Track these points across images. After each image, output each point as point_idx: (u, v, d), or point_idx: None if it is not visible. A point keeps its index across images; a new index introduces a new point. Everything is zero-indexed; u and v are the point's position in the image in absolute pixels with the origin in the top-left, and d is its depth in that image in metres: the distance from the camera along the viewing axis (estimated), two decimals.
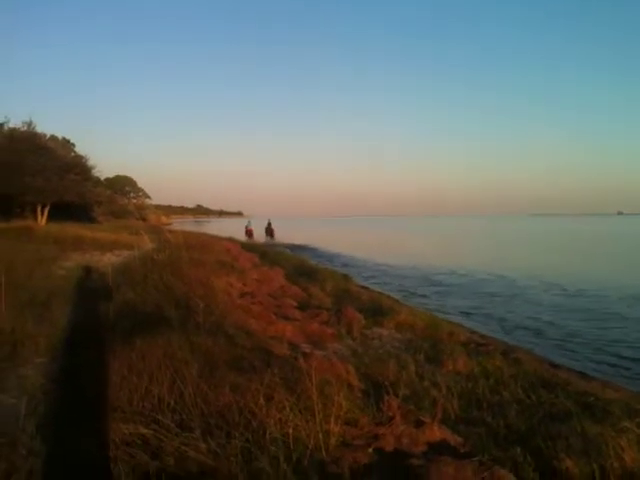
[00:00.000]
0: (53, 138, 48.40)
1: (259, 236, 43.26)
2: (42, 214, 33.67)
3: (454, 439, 4.38)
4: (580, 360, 9.97)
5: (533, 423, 5.05)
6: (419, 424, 4.45)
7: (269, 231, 42.24)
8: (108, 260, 17.16)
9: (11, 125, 38.04)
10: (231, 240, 32.71)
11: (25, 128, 36.93)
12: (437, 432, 4.36)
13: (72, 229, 26.64)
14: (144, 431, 3.49)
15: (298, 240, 44.83)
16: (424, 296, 18.35)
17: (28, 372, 5.33)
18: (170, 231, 36.62)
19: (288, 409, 3.91)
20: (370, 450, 3.86)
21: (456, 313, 14.88)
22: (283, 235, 46.13)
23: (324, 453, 3.63)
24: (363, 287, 17.92)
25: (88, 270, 13.17)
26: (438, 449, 4.13)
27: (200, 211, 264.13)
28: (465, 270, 25.88)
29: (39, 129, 39.39)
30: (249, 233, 44.11)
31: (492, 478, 3.57)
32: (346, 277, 19.37)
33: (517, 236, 73.76)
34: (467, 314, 14.83)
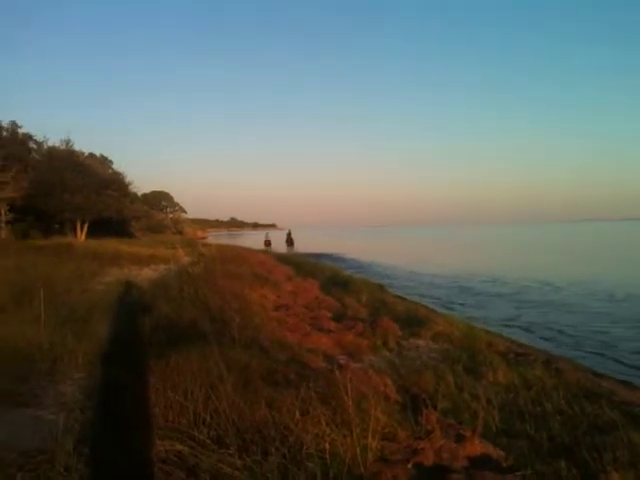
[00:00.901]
0: (91, 155, 49.50)
1: (279, 246, 45.59)
2: (81, 230, 34.38)
3: (496, 453, 4.25)
4: (625, 369, 9.65)
5: (577, 435, 4.89)
6: (459, 438, 4.34)
7: (289, 241, 45.30)
8: (145, 275, 17.37)
9: (50, 143, 39.09)
10: (265, 252, 32.92)
11: (63, 146, 37.88)
12: (478, 446, 4.24)
13: (110, 244, 27.08)
14: (180, 447, 3.47)
15: (320, 249, 46.99)
16: (462, 305, 18.11)
17: (67, 388, 5.37)
18: (205, 244, 37.03)
19: (324, 424, 3.84)
20: (409, 465, 3.77)
21: (495, 322, 14.60)
22: (312, 244, 46.58)
23: (362, 469, 3.55)
24: (399, 297, 17.76)
25: (126, 285, 13.32)
26: (479, 464, 4.01)
27: (234, 224, 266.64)
28: (505, 278, 25.51)
29: (77, 147, 40.33)
30: (267, 243, 47.65)
31: None
32: (381, 287, 19.26)
33: (563, 242, 72.09)
34: (506, 323, 14.54)
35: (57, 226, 35.19)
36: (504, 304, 18.33)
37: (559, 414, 5.57)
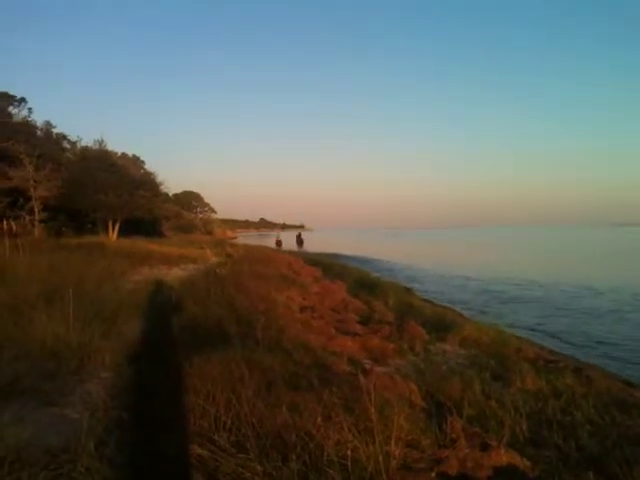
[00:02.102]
0: (124, 156, 50.21)
1: (290, 245, 49.87)
2: (113, 229, 34.80)
3: (522, 463, 4.16)
4: None
5: (607, 446, 4.74)
6: (485, 447, 4.25)
7: (299, 241, 49.64)
8: (175, 274, 17.50)
9: (83, 143, 39.75)
10: (292, 253, 32.98)
11: (97, 146, 38.46)
12: (504, 456, 4.15)
13: (141, 244, 27.36)
14: (200, 451, 3.46)
15: (331, 249, 50.35)
16: (489, 309, 17.89)
17: (93, 387, 5.41)
18: (233, 245, 37.27)
19: (347, 430, 3.79)
20: (433, 474, 3.70)
21: (525, 327, 14.39)
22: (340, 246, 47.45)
23: (384, 477, 3.49)
24: (426, 301, 17.62)
25: (155, 284, 13.43)
26: (505, 474, 3.93)
27: (263, 224, 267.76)
28: (538, 282, 25.15)
29: (110, 147, 40.93)
30: (278, 243, 52.30)
31: None
32: (408, 290, 19.14)
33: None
34: (536, 329, 14.31)
35: (89, 225, 35.69)
36: (539, 308, 18.04)
37: (589, 424, 5.42)
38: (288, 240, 58.41)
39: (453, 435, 4.31)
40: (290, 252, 38.68)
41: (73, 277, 10.76)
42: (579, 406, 6.00)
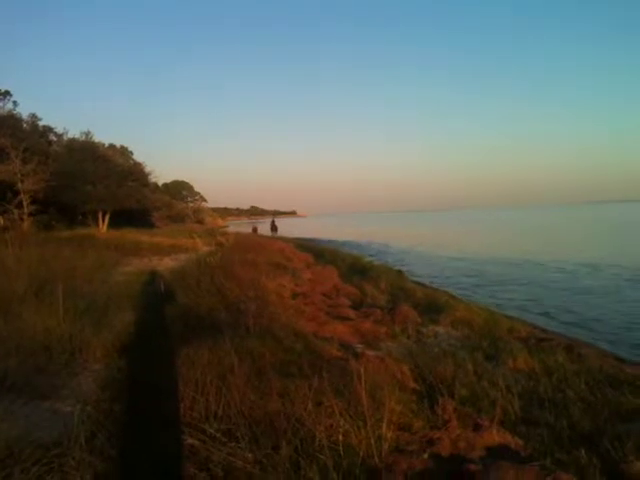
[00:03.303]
0: (111, 146, 49.75)
1: (264, 231, 52.38)
2: (103, 221, 34.55)
3: (514, 442, 4.18)
4: None
5: (599, 423, 4.77)
6: (477, 427, 4.27)
7: (273, 227, 51.41)
8: (166, 264, 17.46)
9: (70, 135, 39.37)
10: (284, 240, 32.94)
11: (83, 138, 38.05)
12: (496, 435, 4.17)
13: (132, 235, 27.26)
14: (191, 441, 3.45)
15: (308, 234, 54.61)
16: (481, 290, 17.90)
17: (84, 380, 5.39)
18: (225, 233, 37.25)
19: (338, 415, 3.79)
20: (425, 456, 3.71)
21: (518, 307, 14.40)
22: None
23: (377, 460, 3.50)
24: (418, 283, 17.63)
25: (146, 275, 13.40)
26: (497, 453, 3.94)
27: (255, 212, 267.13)
28: (530, 261, 25.20)
29: (97, 138, 40.54)
30: (254, 230, 55.24)
31: None
32: (400, 274, 19.15)
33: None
34: (528, 308, 14.32)
35: (80, 218, 35.41)
36: (532, 288, 18.04)
37: (580, 401, 5.45)
38: (281, 227, 59.21)
39: (445, 416, 4.32)
40: (280, 238, 38.71)
41: (63, 270, 10.69)
42: (571, 384, 6.03)
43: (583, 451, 3.95)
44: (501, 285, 18.87)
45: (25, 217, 27.19)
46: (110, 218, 34.82)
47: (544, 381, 6.12)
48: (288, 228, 70.95)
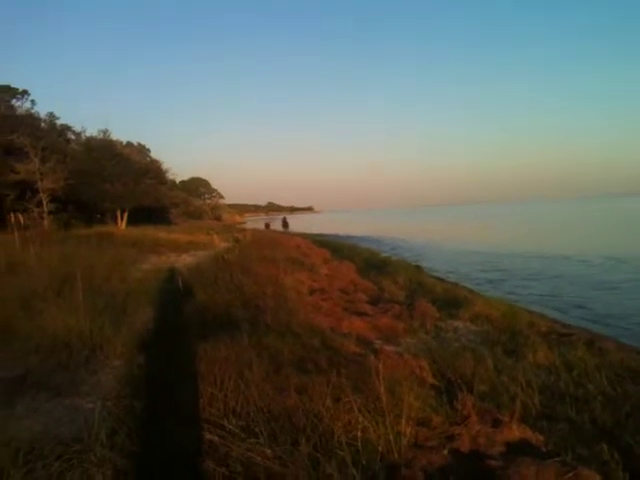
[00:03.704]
0: (129, 144, 50.14)
1: (277, 227, 55.72)
2: (122, 218, 34.90)
3: (535, 437, 4.14)
4: None
5: (620, 418, 4.72)
6: (497, 423, 4.24)
7: (284, 224, 54.61)
8: (183, 261, 17.53)
9: (87, 134, 39.74)
10: (301, 236, 32.97)
11: (101, 136, 38.39)
12: (516, 431, 4.13)
13: (150, 232, 27.41)
14: (210, 437, 3.47)
15: (325, 230, 56.62)
16: (501, 284, 17.77)
17: (105, 376, 5.43)
18: (242, 230, 37.40)
19: (356, 411, 3.78)
20: (445, 452, 3.68)
21: (538, 302, 14.25)
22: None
23: (396, 455, 3.48)
24: (437, 278, 17.55)
25: (164, 272, 13.46)
26: (518, 449, 3.91)
27: (272, 208, 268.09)
28: (551, 255, 24.94)
29: (114, 136, 40.87)
30: (267, 226, 58.08)
31: (577, 479, 3.33)
32: (418, 268, 19.07)
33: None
34: (549, 302, 14.17)
35: (98, 215, 35.77)
36: (553, 281, 17.87)
37: (601, 396, 5.39)
38: (296, 223, 59.94)
39: (464, 412, 4.29)
40: (297, 234, 38.81)
41: (82, 268, 10.79)
42: (592, 378, 5.96)
43: (605, 446, 3.90)
44: (522, 279, 18.70)
45: (45, 215, 27.51)
46: (128, 215, 35.14)
47: (564, 376, 6.05)
48: (305, 224, 71.30)
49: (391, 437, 3.57)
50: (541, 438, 4.13)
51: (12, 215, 13.17)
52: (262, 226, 59.51)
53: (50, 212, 28.04)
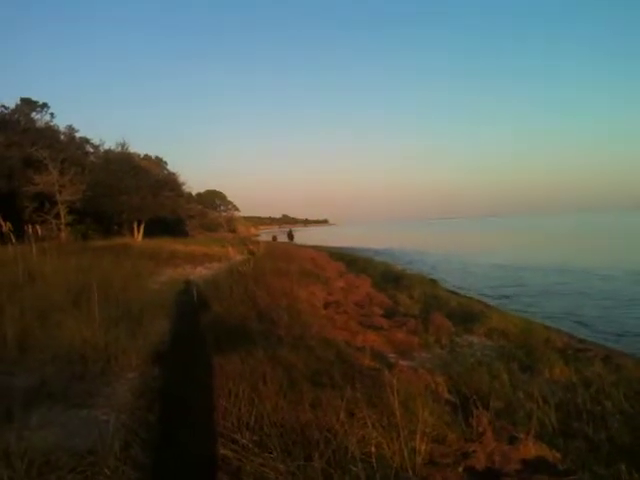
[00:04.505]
0: (146, 157, 50.65)
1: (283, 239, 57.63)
2: (138, 230, 35.13)
3: (551, 455, 4.09)
4: None
5: (639, 436, 4.65)
6: (513, 440, 4.20)
7: (290, 236, 57.01)
8: (199, 273, 17.60)
9: (106, 146, 40.18)
10: (317, 249, 32.99)
11: (119, 149, 38.80)
12: (532, 448, 4.08)
13: (166, 244, 27.56)
14: (223, 451, 3.46)
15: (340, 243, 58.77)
16: (517, 298, 17.61)
17: (119, 388, 5.44)
18: (256, 242, 37.47)
19: (370, 426, 3.76)
20: (460, 469, 3.65)
21: (554, 316, 14.10)
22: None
23: (410, 472, 3.45)
24: (452, 292, 17.48)
25: (179, 284, 13.52)
26: (534, 467, 3.87)
27: (286, 221, 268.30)
28: (568, 269, 24.68)
29: (132, 149, 41.27)
30: (274, 238, 60.51)
31: None
32: (434, 282, 19.00)
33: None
34: (566, 317, 14.00)
35: (116, 227, 36.10)
36: (570, 296, 17.67)
37: (619, 413, 5.32)
38: (310, 236, 60.42)
39: (480, 428, 4.25)
40: (314, 247, 38.90)
41: (99, 279, 10.86)
42: (609, 395, 5.89)
43: (623, 465, 3.84)
44: (541, 294, 18.49)
45: (63, 227, 27.77)
46: (145, 227, 35.35)
47: (581, 392, 5.99)
48: (320, 236, 71.37)
49: (405, 453, 3.54)
50: (558, 456, 4.09)
51: (30, 226, 13.34)
52: (282, 238, 60.18)
53: (68, 224, 28.35)
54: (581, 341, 10.54)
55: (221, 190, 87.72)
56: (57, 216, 27.78)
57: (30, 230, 12.92)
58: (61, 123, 42.42)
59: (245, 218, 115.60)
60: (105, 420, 4.38)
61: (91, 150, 41.44)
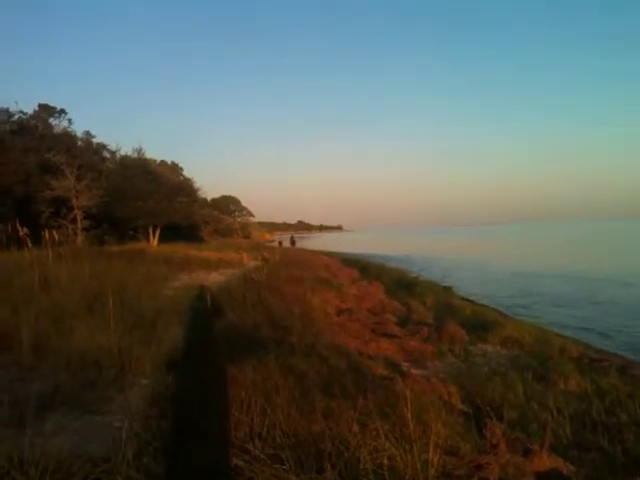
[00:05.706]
0: (162, 163, 50.97)
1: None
2: (154, 235, 35.25)
3: (566, 467, 4.06)
4: None
5: None
6: (527, 452, 4.16)
7: (292, 242, 59.09)
8: (213, 279, 17.61)
9: (122, 152, 40.50)
10: (330, 255, 32.97)
11: (135, 155, 39.08)
12: (546, 460, 4.05)
13: (181, 249, 27.64)
14: (236, 461, 3.45)
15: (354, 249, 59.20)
16: (533, 306, 17.47)
17: (133, 395, 5.45)
18: (270, 248, 37.54)
19: (383, 437, 3.73)
20: None
21: (571, 326, 13.94)
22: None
23: None
24: (467, 300, 17.36)
25: (193, 290, 13.54)
26: (548, 479, 3.82)
27: (301, 227, 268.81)
28: (586, 277, 24.44)
29: (148, 154, 41.58)
30: (279, 243, 59.94)
31: None
32: (447, 290, 18.91)
33: None
34: (582, 326, 13.84)
35: (131, 232, 36.25)
36: (586, 305, 17.49)
37: (635, 425, 5.26)
38: (324, 242, 60.87)
39: (493, 440, 4.22)
40: (329, 253, 38.89)
41: (114, 285, 10.91)
42: (624, 407, 5.83)
43: (638, 478, 3.80)
44: (559, 303, 18.31)
45: (79, 232, 27.96)
46: (160, 232, 35.49)
47: (596, 403, 5.94)
48: (334, 242, 71.48)
49: (418, 465, 3.52)
50: (572, 468, 4.05)
51: (46, 231, 13.44)
52: (285, 244, 60.46)
53: (84, 229, 28.51)
54: (597, 351, 10.43)
55: (236, 196, 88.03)
56: (73, 221, 27.95)
57: (47, 235, 13.00)
58: (78, 129, 42.74)
59: (260, 224, 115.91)
60: (118, 427, 4.39)
61: (108, 156, 41.76)
